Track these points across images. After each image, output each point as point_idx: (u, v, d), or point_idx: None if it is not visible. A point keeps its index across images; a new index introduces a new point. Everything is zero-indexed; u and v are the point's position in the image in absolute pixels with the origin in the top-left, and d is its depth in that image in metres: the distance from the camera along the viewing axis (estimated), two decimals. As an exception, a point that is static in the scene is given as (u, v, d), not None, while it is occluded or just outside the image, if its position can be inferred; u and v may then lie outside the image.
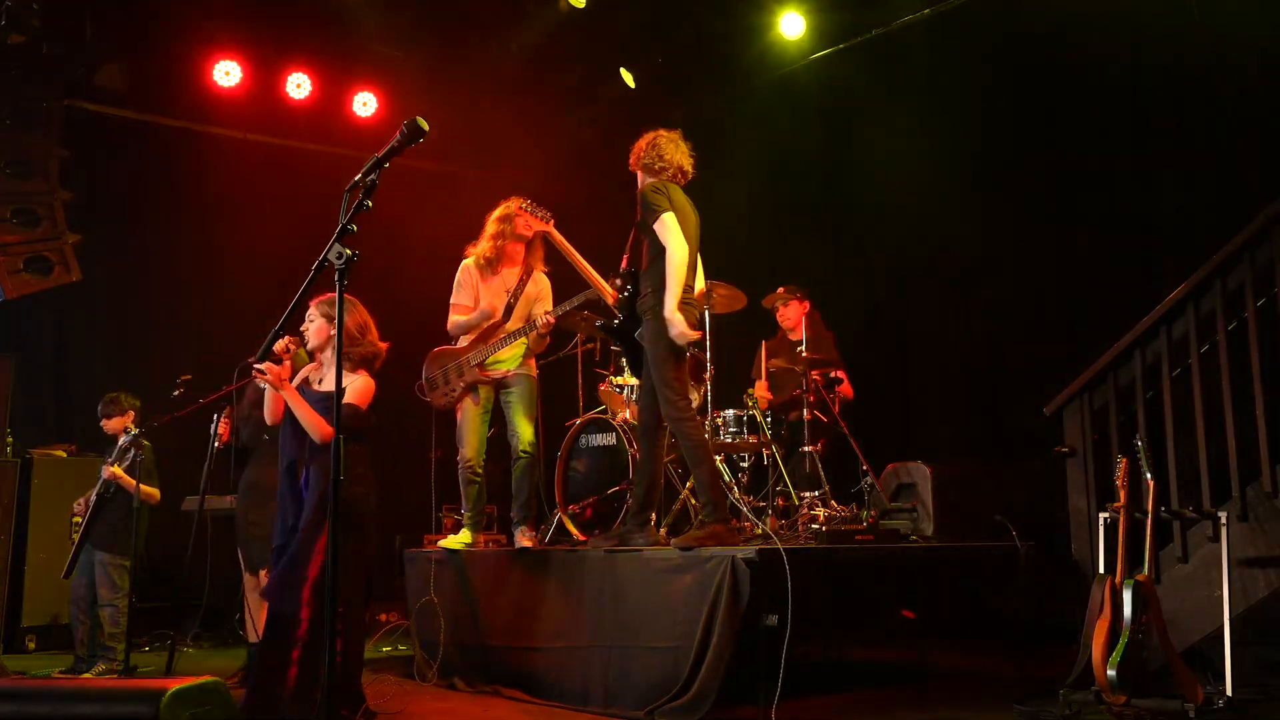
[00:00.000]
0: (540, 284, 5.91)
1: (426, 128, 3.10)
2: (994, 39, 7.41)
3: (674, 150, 5.18)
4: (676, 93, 9.02)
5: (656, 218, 4.94)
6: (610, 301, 5.41)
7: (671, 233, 4.91)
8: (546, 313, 5.68)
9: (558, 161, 9.08)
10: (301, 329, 4.72)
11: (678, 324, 4.89)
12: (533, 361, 5.91)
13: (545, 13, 8.38)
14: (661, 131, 5.26)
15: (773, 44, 8.47)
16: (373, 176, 3.12)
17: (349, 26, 8.42)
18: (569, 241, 5.79)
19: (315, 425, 4.43)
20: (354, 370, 4.52)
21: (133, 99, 8.34)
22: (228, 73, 8.40)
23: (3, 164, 7.47)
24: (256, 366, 4.41)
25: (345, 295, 4.47)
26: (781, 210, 8.71)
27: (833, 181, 8.32)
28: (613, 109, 9.10)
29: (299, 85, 8.72)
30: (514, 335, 5.72)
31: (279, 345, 4.63)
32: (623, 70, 8.73)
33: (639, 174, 5.26)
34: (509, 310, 5.79)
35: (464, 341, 5.85)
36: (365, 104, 9.02)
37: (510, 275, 5.85)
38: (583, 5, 8.14)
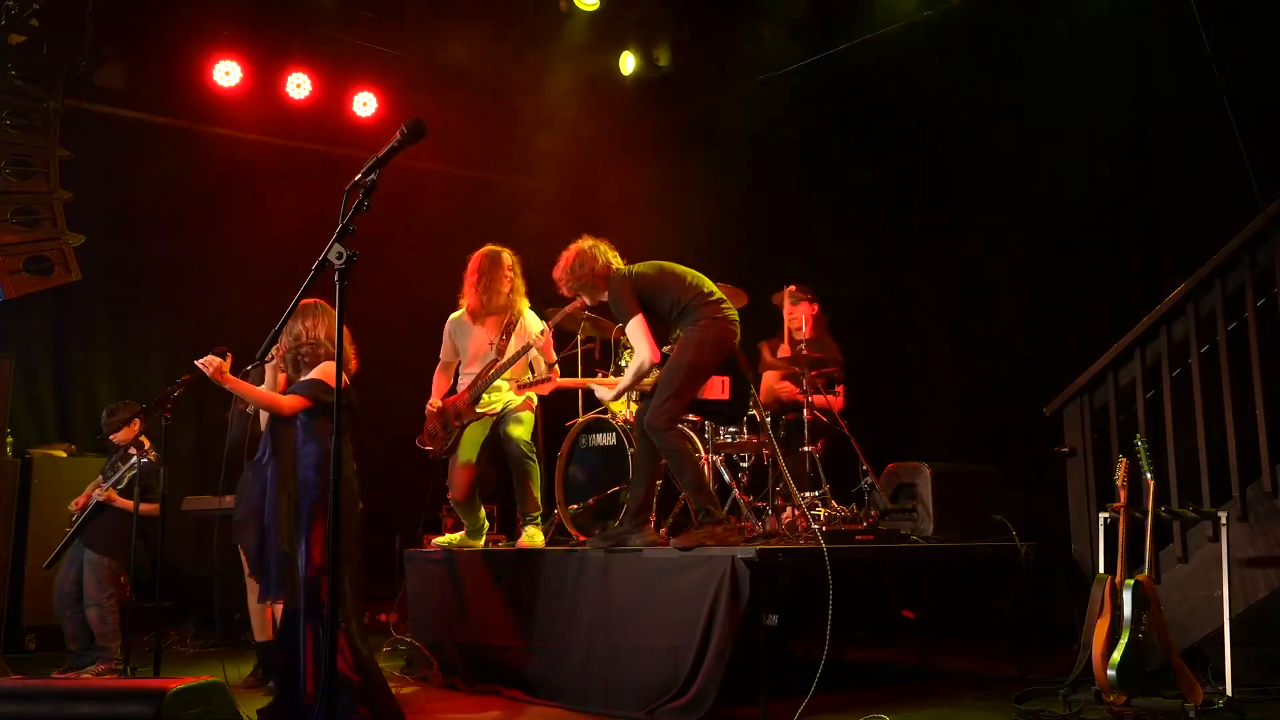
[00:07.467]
0: (532, 322, 5.79)
1: (426, 128, 3.10)
2: (990, 38, 7.41)
3: (602, 251, 5.16)
4: (676, 92, 9.03)
5: (626, 321, 5.00)
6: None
7: (640, 339, 4.96)
8: (540, 334, 5.61)
9: (558, 162, 9.08)
10: None
11: (602, 392, 5.62)
12: (532, 397, 5.84)
13: (545, 12, 8.38)
14: (576, 248, 5.18)
15: (770, 43, 8.47)
16: (373, 177, 3.12)
17: (349, 27, 8.42)
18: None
19: (269, 403, 4.52)
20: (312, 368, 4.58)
21: (133, 99, 8.34)
22: (228, 73, 8.39)
23: (3, 164, 7.47)
24: (197, 362, 4.42)
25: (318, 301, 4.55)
26: (781, 209, 8.71)
27: (832, 180, 8.31)
28: (614, 108, 9.10)
29: (299, 85, 8.71)
30: (505, 367, 5.65)
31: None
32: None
33: (589, 291, 5.19)
34: (500, 350, 5.70)
35: (462, 389, 5.81)
36: (365, 104, 9.02)
37: (496, 323, 5.78)
38: (595, 7, 8.15)
